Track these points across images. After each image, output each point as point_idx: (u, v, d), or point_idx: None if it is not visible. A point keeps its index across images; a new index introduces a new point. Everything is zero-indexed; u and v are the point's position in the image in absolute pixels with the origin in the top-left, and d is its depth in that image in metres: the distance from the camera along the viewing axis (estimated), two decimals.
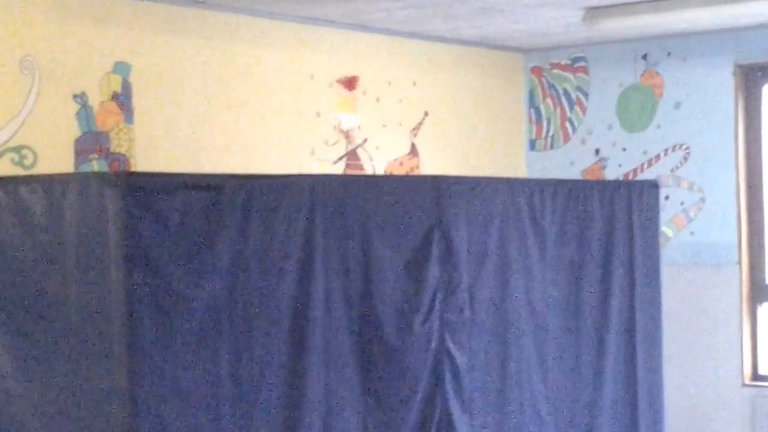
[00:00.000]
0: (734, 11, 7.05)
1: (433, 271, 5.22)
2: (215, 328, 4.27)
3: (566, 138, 8.71)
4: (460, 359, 5.33)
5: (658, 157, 8.28)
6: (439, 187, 5.34)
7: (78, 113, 6.12)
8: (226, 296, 4.30)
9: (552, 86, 8.77)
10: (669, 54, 8.22)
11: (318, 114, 7.36)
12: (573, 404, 6.07)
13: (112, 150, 6.23)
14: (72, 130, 6.09)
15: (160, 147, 6.44)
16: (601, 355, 6.24)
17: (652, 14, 7.07)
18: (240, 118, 6.88)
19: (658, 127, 8.28)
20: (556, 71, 8.75)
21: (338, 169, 7.45)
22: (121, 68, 6.29)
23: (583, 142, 8.62)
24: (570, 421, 6.03)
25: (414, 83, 8.01)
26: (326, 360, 4.71)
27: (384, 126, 7.80)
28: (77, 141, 6.10)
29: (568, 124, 8.70)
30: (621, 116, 8.46)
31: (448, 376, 5.26)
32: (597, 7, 7.05)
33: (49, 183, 4.38)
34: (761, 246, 8.03)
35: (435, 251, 5.24)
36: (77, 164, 6.07)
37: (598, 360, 6.22)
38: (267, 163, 6.90)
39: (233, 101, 6.84)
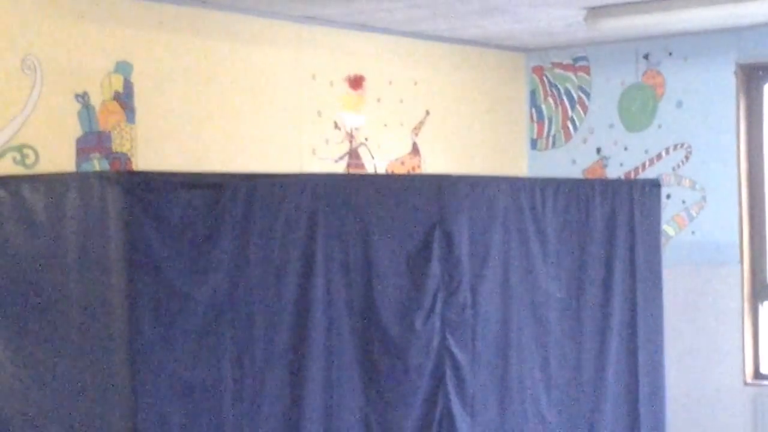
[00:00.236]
0: (735, 11, 7.04)
1: (435, 270, 5.23)
2: (216, 325, 4.27)
3: (568, 137, 8.71)
4: (462, 357, 5.33)
5: (659, 156, 8.28)
6: (441, 186, 5.34)
7: (80, 112, 6.12)
8: (227, 294, 4.31)
9: (553, 86, 8.77)
10: (670, 54, 8.21)
11: (319, 113, 7.36)
12: (574, 402, 6.07)
13: (113, 149, 6.24)
14: (73, 130, 6.09)
15: (162, 146, 6.44)
16: (603, 354, 6.24)
17: (653, 14, 7.07)
18: (241, 117, 6.88)
19: (660, 126, 8.28)
20: (557, 71, 8.75)
21: (340, 168, 7.45)
22: (123, 68, 6.29)
23: (585, 141, 8.62)
24: (571, 419, 6.03)
25: (415, 83, 8.01)
26: (328, 358, 4.71)
27: (385, 125, 7.80)
28: (79, 140, 6.11)
29: (569, 124, 8.70)
30: (622, 115, 8.46)
31: (449, 375, 5.26)
32: (598, 7, 7.05)
33: (50, 182, 4.39)
34: (763, 245, 8.03)
35: (436, 250, 5.24)
36: (79, 163, 6.08)
37: (599, 358, 6.23)
38: (268, 162, 6.90)
39: (235, 100, 6.84)
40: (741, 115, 7.99)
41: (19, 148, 5.84)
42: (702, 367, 8.00)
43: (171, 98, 6.51)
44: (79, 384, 4.22)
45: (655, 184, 6.81)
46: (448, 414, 5.25)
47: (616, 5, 7.00)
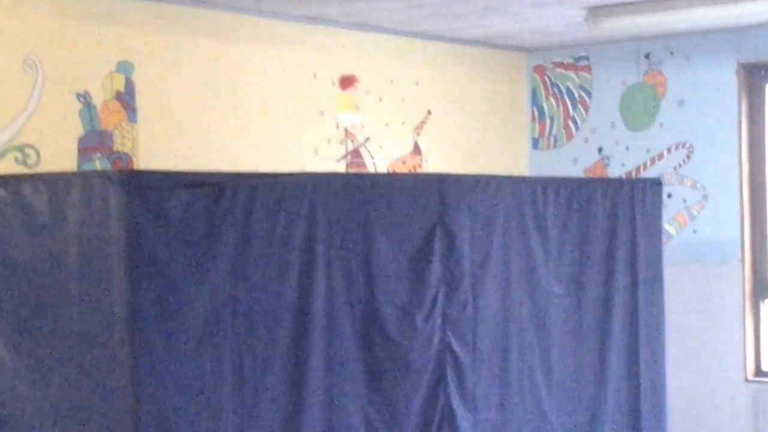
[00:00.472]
0: (737, 10, 7.04)
1: (436, 269, 5.23)
2: (218, 325, 4.28)
3: (569, 136, 8.72)
4: (463, 356, 5.34)
5: (661, 155, 8.29)
6: (442, 185, 5.34)
7: (81, 112, 6.13)
8: (228, 294, 4.31)
9: (555, 85, 8.77)
10: (672, 53, 8.22)
11: (321, 113, 7.37)
12: (575, 400, 6.07)
13: (115, 149, 6.25)
14: (75, 129, 6.10)
15: (163, 146, 6.45)
16: (604, 352, 6.25)
17: (654, 13, 7.07)
18: (243, 116, 6.89)
19: (661, 125, 8.29)
20: (559, 70, 8.75)
21: (341, 167, 7.46)
22: (125, 67, 6.30)
23: (586, 140, 8.62)
24: (572, 417, 6.04)
25: (417, 82, 8.02)
26: (329, 356, 4.72)
27: (387, 125, 7.81)
28: (80, 140, 6.12)
29: (571, 123, 8.71)
30: (624, 115, 8.46)
31: (450, 373, 5.27)
32: (599, 7, 7.05)
33: (52, 181, 4.39)
34: (764, 243, 8.04)
35: (437, 249, 5.25)
36: (80, 163, 6.09)
37: (600, 356, 6.23)
38: (270, 161, 6.91)
39: (236, 100, 6.85)
40: (742, 114, 7.99)
41: (21, 148, 5.84)
42: (703, 364, 8.01)
43: (172, 98, 6.52)
44: (80, 383, 4.23)
45: (656, 184, 6.82)
46: (449, 411, 5.26)
47: (616, 5, 7.00)
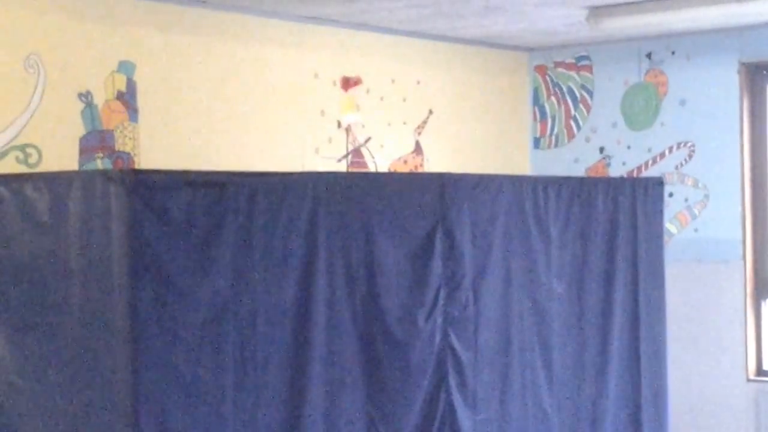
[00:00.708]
0: (739, 10, 7.04)
1: (437, 268, 5.23)
2: (219, 324, 4.28)
3: (571, 136, 8.72)
4: (464, 355, 5.34)
5: (662, 154, 8.29)
6: (443, 184, 5.34)
7: (83, 112, 6.13)
8: (229, 292, 4.31)
9: (556, 84, 8.78)
10: (673, 53, 8.22)
11: (322, 112, 7.37)
12: (577, 399, 6.07)
13: (116, 148, 6.25)
14: (77, 129, 6.11)
15: (165, 145, 6.46)
16: (605, 351, 6.25)
17: (655, 13, 7.08)
18: (244, 116, 6.89)
19: (663, 124, 8.29)
20: (560, 70, 8.76)
21: (342, 167, 7.46)
22: (126, 67, 6.31)
23: (588, 140, 8.63)
24: (574, 416, 6.04)
25: (418, 82, 8.02)
26: (330, 355, 4.72)
27: (388, 124, 7.81)
28: (82, 139, 6.12)
29: (572, 122, 8.71)
30: (625, 114, 8.46)
31: (451, 372, 5.27)
32: (601, 6, 7.05)
33: (53, 181, 4.39)
34: (765, 242, 8.04)
35: (438, 248, 5.25)
36: (82, 162, 6.09)
37: (601, 355, 6.23)
38: (271, 161, 6.91)
39: (237, 100, 6.85)
40: (744, 113, 7.99)
41: (22, 148, 5.85)
42: (705, 363, 8.01)
43: (174, 97, 6.52)
44: (81, 381, 4.23)
45: (657, 183, 6.81)
46: (451, 410, 5.26)
47: (618, 5, 7.00)
